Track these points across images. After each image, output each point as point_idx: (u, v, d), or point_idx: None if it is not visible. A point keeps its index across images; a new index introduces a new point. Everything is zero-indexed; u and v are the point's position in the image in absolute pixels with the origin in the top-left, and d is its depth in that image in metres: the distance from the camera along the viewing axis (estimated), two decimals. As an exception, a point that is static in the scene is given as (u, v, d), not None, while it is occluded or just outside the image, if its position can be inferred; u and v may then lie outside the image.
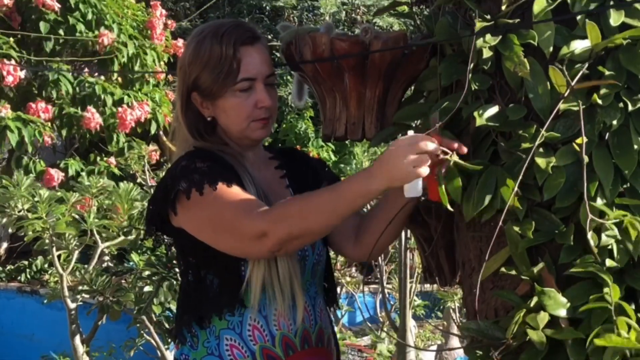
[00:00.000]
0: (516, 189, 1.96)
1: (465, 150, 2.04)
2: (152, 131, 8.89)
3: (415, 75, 2.32)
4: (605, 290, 1.87)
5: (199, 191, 2.15)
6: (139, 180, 6.98)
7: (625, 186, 1.97)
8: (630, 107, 1.95)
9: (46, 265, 9.16)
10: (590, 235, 1.89)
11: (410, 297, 6.14)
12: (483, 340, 2.02)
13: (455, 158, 2.01)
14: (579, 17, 1.99)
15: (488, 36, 2.02)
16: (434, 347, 7.75)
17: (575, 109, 1.94)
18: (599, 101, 1.94)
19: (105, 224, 5.31)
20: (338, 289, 5.87)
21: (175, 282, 4.84)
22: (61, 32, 8.53)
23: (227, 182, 2.16)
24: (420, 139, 1.97)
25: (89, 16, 8.71)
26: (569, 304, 1.91)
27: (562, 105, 1.95)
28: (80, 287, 5.28)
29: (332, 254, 2.68)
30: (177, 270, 4.80)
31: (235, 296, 2.22)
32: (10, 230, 6.08)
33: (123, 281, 5.35)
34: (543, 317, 1.89)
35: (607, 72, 1.95)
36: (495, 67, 2.05)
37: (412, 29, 2.46)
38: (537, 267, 1.96)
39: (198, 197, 2.15)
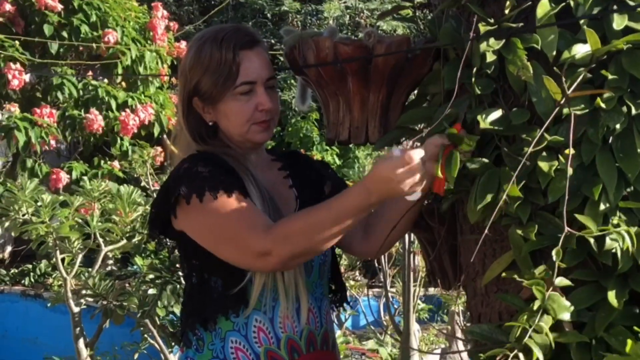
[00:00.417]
0: (508, 190, 1.96)
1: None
2: (156, 134, 8.90)
3: (418, 79, 2.32)
4: (608, 294, 1.87)
5: (199, 197, 2.15)
6: (142, 184, 6.97)
7: (629, 190, 1.97)
8: (633, 111, 1.95)
9: (50, 269, 9.16)
10: (593, 242, 1.89)
11: (414, 300, 6.14)
12: (487, 344, 2.02)
13: (466, 148, 2.03)
14: (582, 21, 1.99)
15: (491, 40, 2.02)
16: (438, 351, 7.75)
17: (579, 112, 1.94)
18: (603, 105, 1.94)
19: (108, 228, 5.31)
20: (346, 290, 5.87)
21: (178, 286, 4.84)
22: (65, 34, 8.53)
23: (228, 190, 2.16)
24: (405, 160, 1.98)
25: (93, 18, 8.72)
26: (572, 308, 1.91)
27: (565, 110, 1.95)
28: (84, 291, 5.29)
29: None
30: (180, 273, 4.80)
31: (239, 297, 2.22)
32: (14, 234, 6.09)
33: (127, 285, 5.36)
34: (547, 321, 1.89)
35: (610, 76, 1.95)
36: (498, 71, 2.05)
37: (415, 33, 2.46)
38: (540, 271, 1.96)
39: (198, 204, 2.15)
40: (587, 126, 1.94)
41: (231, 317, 2.24)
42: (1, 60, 8.00)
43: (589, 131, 1.94)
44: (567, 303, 1.91)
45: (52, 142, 8.28)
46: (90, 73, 8.93)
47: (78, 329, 5.45)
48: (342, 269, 7.44)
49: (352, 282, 8.00)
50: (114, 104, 8.67)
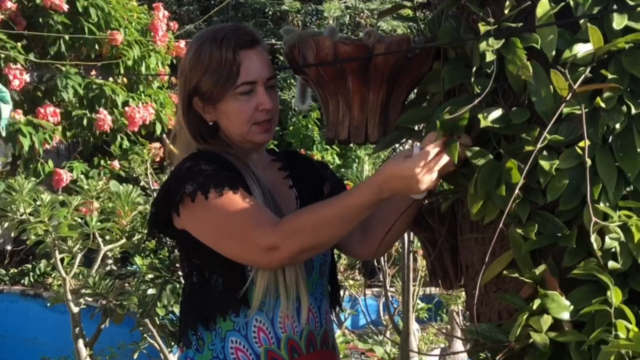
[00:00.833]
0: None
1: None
2: (157, 132, 8.91)
3: (418, 79, 2.32)
4: (607, 293, 1.87)
5: (204, 195, 2.15)
6: (142, 183, 6.97)
7: (629, 189, 1.97)
8: (633, 110, 1.95)
9: (49, 269, 9.16)
10: (593, 238, 1.89)
11: (413, 300, 6.14)
12: (486, 344, 2.02)
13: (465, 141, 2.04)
14: (581, 21, 2.00)
15: (491, 40, 2.02)
16: (437, 350, 7.74)
17: (578, 112, 1.94)
18: (603, 104, 1.94)
19: (107, 227, 5.31)
20: (341, 292, 5.88)
21: (178, 285, 4.84)
22: (67, 36, 8.53)
23: (233, 187, 2.16)
24: (426, 159, 2.00)
25: (95, 19, 8.71)
26: (572, 307, 1.91)
27: (565, 109, 1.95)
28: (83, 291, 5.29)
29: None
30: (180, 273, 4.80)
31: (240, 297, 2.21)
32: (13, 234, 6.09)
33: (126, 284, 5.36)
34: (546, 320, 1.89)
35: (610, 76, 1.95)
36: (498, 71, 2.05)
37: (415, 33, 2.46)
38: (540, 270, 1.96)
39: (203, 201, 2.15)
40: (587, 125, 1.94)
41: (231, 316, 2.23)
42: (2, 61, 8.00)
43: (589, 130, 1.94)
44: (567, 302, 1.91)
45: (54, 142, 8.29)
46: (93, 72, 8.93)
47: (77, 328, 5.45)
48: (342, 269, 7.44)
49: (351, 282, 7.99)
50: (119, 102, 8.69)
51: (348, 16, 14.31)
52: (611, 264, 1.91)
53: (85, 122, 8.53)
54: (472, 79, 2.06)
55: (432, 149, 2.01)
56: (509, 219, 2.02)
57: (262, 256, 2.13)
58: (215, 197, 2.15)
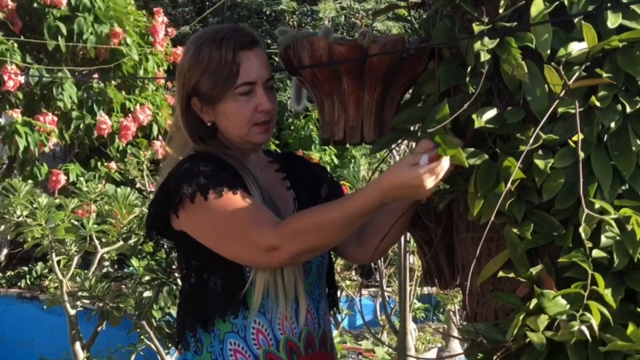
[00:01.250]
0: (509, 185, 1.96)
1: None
2: (154, 134, 8.91)
3: (413, 79, 2.32)
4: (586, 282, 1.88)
5: (203, 196, 2.15)
6: (137, 185, 6.97)
7: (624, 188, 1.97)
8: (628, 109, 1.95)
9: (46, 271, 9.16)
10: (582, 228, 1.89)
11: (410, 300, 6.14)
12: (483, 343, 2.02)
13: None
14: (576, 20, 2.00)
15: (486, 39, 2.02)
16: (434, 350, 7.75)
17: (573, 111, 1.94)
18: (597, 103, 1.94)
19: (104, 229, 5.31)
20: (338, 293, 5.87)
21: (175, 287, 4.84)
22: (64, 30, 8.50)
23: (232, 188, 2.16)
24: (434, 170, 2.01)
25: (93, 17, 8.69)
26: (568, 306, 1.91)
27: (560, 108, 1.95)
28: (80, 293, 5.29)
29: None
30: (176, 275, 4.80)
31: (238, 298, 2.21)
32: (9, 237, 6.09)
33: (123, 287, 5.35)
34: (543, 320, 1.89)
35: (604, 74, 1.95)
36: (493, 70, 2.05)
37: (410, 33, 2.46)
38: (536, 269, 1.96)
39: (202, 202, 2.15)
40: (582, 124, 1.94)
41: (230, 318, 2.23)
42: None
43: (584, 129, 1.94)
44: (563, 301, 1.91)
45: (51, 145, 8.28)
46: (95, 75, 8.91)
47: (74, 331, 5.45)
48: (339, 269, 7.44)
49: (348, 282, 7.99)
50: (119, 106, 8.71)
51: (343, 17, 14.30)
52: (595, 252, 1.90)
53: (82, 127, 8.53)
54: (468, 79, 2.06)
55: (440, 159, 2.01)
56: (505, 219, 2.02)
57: (262, 256, 2.13)
58: (214, 198, 2.14)
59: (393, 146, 2.47)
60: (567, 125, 1.98)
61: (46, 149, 8.21)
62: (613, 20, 1.97)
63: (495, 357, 1.96)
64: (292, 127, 12.38)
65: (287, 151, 2.97)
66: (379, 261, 6.57)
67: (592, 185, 1.94)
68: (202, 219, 2.17)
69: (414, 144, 2.11)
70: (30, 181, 5.76)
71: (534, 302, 1.91)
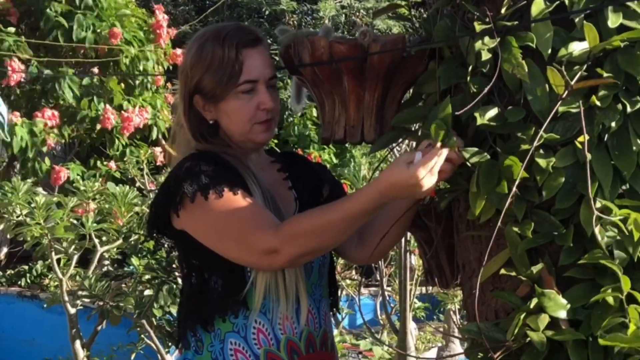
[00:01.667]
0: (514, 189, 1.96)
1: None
2: (154, 136, 8.92)
3: (414, 78, 2.32)
4: (615, 284, 1.87)
5: (203, 195, 2.14)
6: (137, 184, 6.97)
7: (624, 187, 1.97)
8: (629, 109, 1.95)
9: (46, 270, 9.17)
10: (597, 230, 1.89)
11: (410, 299, 6.14)
12: (484, 343, 2.02)
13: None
14: (577, 19, 2.00)
15: (487, 39, 2.02)
16: (435, 350, 7.75)
17: (574, 110, 1.94)
18: (598, 103, 1.94)
19: (103, 228, 5.31)
20: (338, 292, 5.88)
21: (175, 286, 4.84)
22: (65, 24, 8.49)
23: (232, 188, 2.16)
24: (428, 165, 1.99)
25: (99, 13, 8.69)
26: (569, 306, 1.91)
27: (561, 107, 1.95)
28: (80, 292, 5.29)
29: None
30: (177, 274, 4.81)
31: (239, 298, 2.21)
32: (9, 236, 6.10)
33: (123, 285, 5.35)
34: (543, 319, 1.89)
35: (605, 74, 1.95)
36: (493, 70, 2.05)
37: (410, 32, 2.45)
38: (537, 268, 1.96)
39: (202, 202, 2.15)
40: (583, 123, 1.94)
41: (230, 318, 2.23)
42: None
43: (585, 129, 1.94)
44: (564, 301, 1.91)
45: (51, 143, 8.28)
46: (96, 69, 8.91)
47: (74, 329, 5.45)
48: (339, 268, 7.44)
49: (348, 281, 8.00)
50: (121, 101, 8.72)
51: (344, 15, 14.31)
52: (617, 253, 1.90)
53: (88, 120, 8.53)
54: (468, 78, 2.06)
55: (433, 154, 2.00)
56: (505, 218, 2.02)
57: (262, 259, 2.12)
58: (214, 198, 2.14)
59: (393, 145, 2.46)
60: (567, 124, 1.98)
61: (44, 149, 8.22)
62: (614, 19, 1.97)
63: (495, 357, 1.95)
64: (294, 126, 12.37)
65: (288, 151, 2.95)
66: (380, 261, 6.58)
67: (593, 185, 1.93)
68: (203, 218, 2.17)
69: (414, 144, 2.11)
70: (29, 180, 5.77)
71: (534, 301, 1.91)
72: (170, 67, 9.45)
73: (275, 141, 10.77)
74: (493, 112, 2.03)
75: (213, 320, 2.24)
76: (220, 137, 2.32)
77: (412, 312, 6.63)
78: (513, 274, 1.99)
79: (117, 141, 8.82)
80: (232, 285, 2.21)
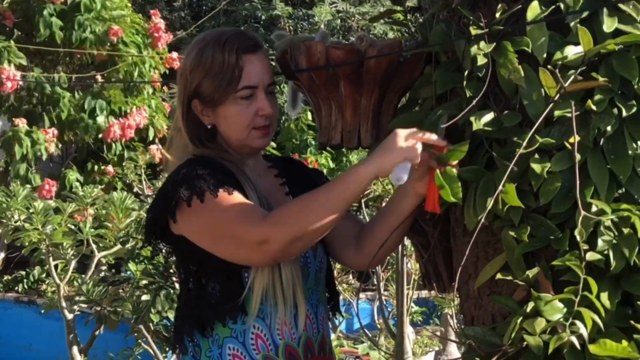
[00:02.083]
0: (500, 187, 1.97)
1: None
2: (150, 137, 8.91)
3: (410, 83, 2.32)
4: (577, 287, 1.88)
5: (199, 198, 2.14)
6: (135, 189, 6.97)
7: (620, 191, 1.98)
8: (624, 113, 1.96)
9: (44, 275, 9.15)
10: (577, 231, 1.89)
11: (407, 303, 6.14)
12: (481, 347, 2.02)
13: (453, 163, 2.04)
14: (572, 24, 2.00)
15: (482, 43, 2.03)
16: (432, 354, 7.75)
17: (570, 114, 1.95)
18: (593, 107, 1.95)
19: (101, 234, 5.31)
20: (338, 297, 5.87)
21: (172, 291, 4.84)
22: (60, 24, 8.48)
23: (228, 190, 2.16)
24: (417, 133, 2.03)
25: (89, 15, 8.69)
26: (565, 309, 1.91)
27: (556, 112, 1.96)
28: (77, 297, 5.28)
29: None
30: (174, 279, 4.80)
31: (237, 303, 2.20)
32: (6, 241, 6.10)
33: (120, 290, 5.35)
34: (540, 323, 1.89)
35: (600, 78, 1.95)
36: (489, 74, 2.05)
37: (407, 37, 2.46)
38: (533, 272, 1.97)
39: (199, 205, 2.14)
40: (578, 128, 1.94)
41: (229, 323, 2.22)
42: None
43: (580, 133, 1.95)
44: (560, 304, 1.91)
45: (51, 150, 8.29)
46: (98, 76, 8.91)
47: (72, 335, 5.45)
48: (336, 273, 7.44)
49: (345, 286, 7.99)
50: (117, 108, 8.72)
51: (339, 20, 14.31)
52: (590, 255, 1.90)
53: (92, 131, 8.53)
54: (464, 83, 2.06)
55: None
56: (501, 222, 2.02)
57: (255, 251, 2.10)
58: (210, 199, 2.14)
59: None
60: (563, 129, 1.98)
61: (44, 157, 8.23)
62: (609, 24, 1.98)
63: (493, 360, 1.96)
64: (287, 131, 12.37)
65: (285, 156, 2.95)
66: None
67: (589, 189, 1.94)
68: (199, 220, 2.17)
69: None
70: (28, 185, 5.76)
71: (531, 305, 1.92)
72: (167, 72, 9.45)
73: (274, 145, 10.78)
74: (489, 116, 2.04)
75: (211, 325, 2.23)
76: (217, 142, 2.32)
77: (409, 317, 6.64)
78: (509, 278, 2.00)
79: (114, 145, 8.81)
80: (230, 291, 2.21)
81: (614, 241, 1.92)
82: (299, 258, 2.26)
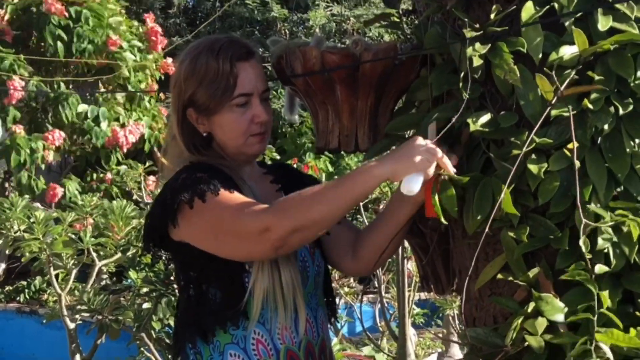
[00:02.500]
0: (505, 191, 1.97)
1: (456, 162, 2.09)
2: (147, 148, 8.91)
3: (406, 86, 2.33)
4: (591, 302, 1.89)
5: (201, 199, 2.14)
6: (134, 197, 6.97)
7: (619, 190, 1.98)
8: (621, 111, 1.96)
9: (45, 285, 9.15)
10: (582, 240, 1.89)
11: (409, 305, 6.13)
12: (483, 348, 2.02)
13: (451, 172, 2.04)
14: (567, 23, 2.00)
15: (477, 45, 2.03)
16: (435, 356, 7.74)
17: (566, 114, 1.95)
18: (590, 106, 1.95)
19: (101, 242, 5.31)
20: (337, 300, 5.87)
21: (173, 299, 4.83)
22: (65, 38, 8.49)
23: (228, 189, 2.17)
24: (437, 150, 2.03)
25: (91, 25, 8.69)
26: (566, 309, 1.91)
27: (553, 111, 1.96)
28: (79, 307, 5.28)
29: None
30: (175, 286, 4.80)
31: (238, 309, 2.20)
32: (7, 252, 6.10)
33: (121, 299, 5.34)
34: (541, 323, 1.89)
35: (596, 77, 1.96)
36: (485, 75, 2.06)
37: (402, 40, 2.46)
38: (533, 272, 1.97)
39: (201, 205, 2.15)
40: (576, 127, 1.94)
41: (230, 329, 2.22)
42: None
43: (578, 132, 1.95)
44: (561, 304, 1.91)
45: (50, 159, 8.28)
46: (101, 86, 8.91)
47: (74, 344, 5.44)
48: (337, 277, 7.44)
49: (346, 289, 7.98)
50: (124, 119, 8.73)
51: (334, 24, 14.30)
52: (598, 267, 1.91)
53: (100, 140, 8.53)
54: (460, 85, 2.06)
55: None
56: (501, 223, 2.02)
57: (256, 241, 2.09)
58: (211, 199, 2.14)
59: (387, 152, 2.47)
60: (560, 128, 1.98)
61: (42, 166, 8.22)
62: (604, 23, 1.98)
63: (496, 360, 1.96)
64: (287, 135, 12.38)
65: (280, 162, 2.95)
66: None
67: (587, 188, 1.94)
68: (201, 220, 2.17)
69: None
70: (27, 196, 5.76)
71: (532, 305, 1.92)
72: (162, 78, 9.45)
73: (274, 150, 10.79)
74: (486, 117, 2.04)
75: (213, 331, 2.23)
76: (213, 149, 2.32)
77: (411, 319, 6.63)
78: (510, 278, 2.00)
79: (112, 157, 8.82)
80: (231, 296, 2.21)
81: (614, 240, 1.92)
82: (297, 262, 2.27)
